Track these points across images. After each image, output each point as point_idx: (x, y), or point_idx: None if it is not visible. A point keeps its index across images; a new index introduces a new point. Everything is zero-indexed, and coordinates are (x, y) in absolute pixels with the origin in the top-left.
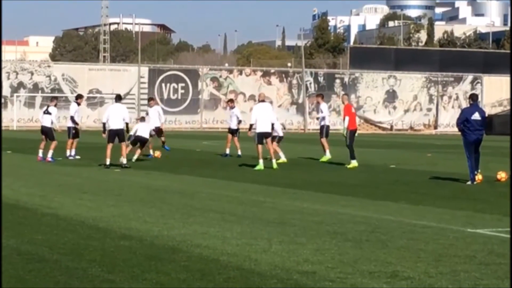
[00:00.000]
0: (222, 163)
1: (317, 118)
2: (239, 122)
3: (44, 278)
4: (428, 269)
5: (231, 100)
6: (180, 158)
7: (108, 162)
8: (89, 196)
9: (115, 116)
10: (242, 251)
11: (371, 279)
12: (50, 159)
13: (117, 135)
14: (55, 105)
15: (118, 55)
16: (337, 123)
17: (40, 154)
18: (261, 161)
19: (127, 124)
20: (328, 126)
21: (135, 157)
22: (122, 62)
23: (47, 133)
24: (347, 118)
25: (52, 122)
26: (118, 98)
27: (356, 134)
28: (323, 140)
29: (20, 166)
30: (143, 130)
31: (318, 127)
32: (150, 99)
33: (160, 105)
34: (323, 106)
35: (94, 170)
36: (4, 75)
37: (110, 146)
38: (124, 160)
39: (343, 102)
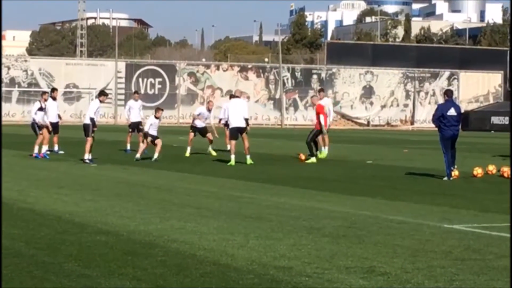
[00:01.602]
0: (199, 159)
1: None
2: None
3: (20, 273)
4: (404, 265)
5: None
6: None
7: (89, 157)
8: (66, 191)
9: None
10: (219, 246)
11: (347, 274)
12: (43, 154)
13: (84, 130)
14: (45, 100)
15: (95, 50)
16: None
17: (43, 150)
18: (233, 156)
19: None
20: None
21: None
22: (99, 57)
23: (48, 128)
24: (322, 116)
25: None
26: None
27: (324, 132)
28: (325, 136)
29: None
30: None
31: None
32: (136, 92)
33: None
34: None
35: (71, 165)
36: None
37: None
38: (85, 156)
39: (313, 104)
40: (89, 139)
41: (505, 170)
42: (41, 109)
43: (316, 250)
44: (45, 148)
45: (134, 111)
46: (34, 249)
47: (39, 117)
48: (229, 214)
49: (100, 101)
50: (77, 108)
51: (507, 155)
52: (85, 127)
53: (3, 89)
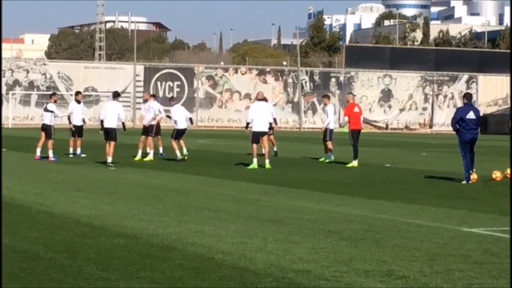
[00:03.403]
0: (217, 162)
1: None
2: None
3: (39, 276)
4: (423, 268)
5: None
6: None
7: (109, 160)
8: (84, 194)
9: (109, 114)
10: (237, 250)
11: (366, 278)
12: (52, 159)
13: (108, 134)
14: (55, 102)
15: (113, 53)
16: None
17: (38, 153)
18: (255, 160)
19: (123, 123)
20: (331, 130)
21: (178, 154)
22: (117, 60)
23: (46, 130)
24: (346, 118)
25: (51, 120)
26: (115, 95)
27: (343, 130)
28: (328, 142)
29: (15, 164)
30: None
31: (321, 127)
32: (153, 96)
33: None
34: (330, 108)
35: (89, 168)
36: None
37: (107, 144)
38: (109, 159)
39: (347, 101)
40: (113, 143)
41: None
42: (46, 110)
43: (334, 253)
44: (50, 152)
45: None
46: (53, 252)
47: (45, 119)
48: (247, 217)
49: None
50: (95, 112)
51: None
52: (112, 131)
53: (22, 92)
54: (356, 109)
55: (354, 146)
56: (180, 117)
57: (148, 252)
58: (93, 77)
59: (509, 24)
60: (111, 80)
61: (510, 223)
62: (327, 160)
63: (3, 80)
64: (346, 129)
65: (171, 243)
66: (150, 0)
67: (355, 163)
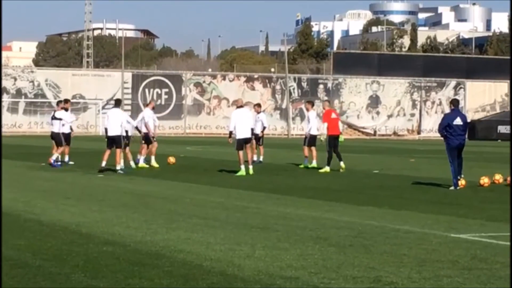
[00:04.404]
0: (206, 169)
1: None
2: (264, 128)
3: (27, 284)
4: (411, 274)
5: (258, 105)
6: (164, 163)
7: (103, 164)
8: (72, 202)
9: (112, 122)
10: (226, 257)
11: (354, 284)
12: (52, 162)
13: (113, 141)
14: (63, 109)
15: (101, 60)
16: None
17: (53, 158)
18: (242, 167)
19: (126, 132)
20: (312, 136)
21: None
22: (105, 68)
23: (54, 138)
24: (325, 124)
25: (59, 128)
26: (117, 103)
27: (341, 139)
28: (305, 148)
29: (4, 172)
30: None
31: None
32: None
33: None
34: (311, 114)
35: (78, 176)
36: None
37: (107, 152)
38: (118, 167)
39: (323, 108)
40: (119, 151)
41: None
42: (54, 118)
43: (323, 260)
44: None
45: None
46: (41, 260)
47: (54, 127)
48: (235, 224)
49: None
50: (84, 119)
51: None
52: (117, 138)
53: (10, 100)
54: (333, 115)
55: (329, 152)
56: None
57: (136, 259)
58: (81, 85)
59: (496, 30)
60: (99, 88)
61: (510, 227)
62: (303, 166)
63: None
64: (324, 137)
65: (159, 250)
66: (138, 7)
67: (327, 168)
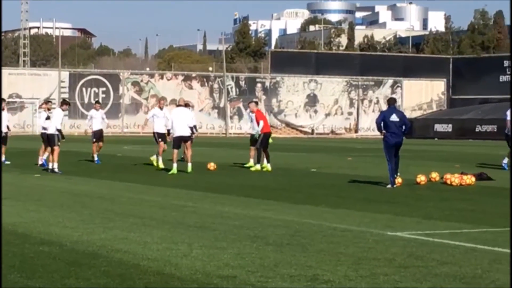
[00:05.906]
0: (143, 168)
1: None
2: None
3: None
4: (348, 272)
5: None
6: (101, 163)
7: (175, 166)
8: (8, 202)
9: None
10: (163, 256)
11: (291, 282)
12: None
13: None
14: (49, 109)
15: (38, 59)
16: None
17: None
18: (175, 165)
19: (59, 130)
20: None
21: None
22: (42, 67)
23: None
24: (261, 122)
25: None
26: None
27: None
28: (252, 148)
29: None
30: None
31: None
32: (97, 102)
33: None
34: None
35: (14, 176)
36: None
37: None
38: (51, 165)
39: (251, 109)
40: (57, 148)
41: (448, 177)
42: (47, 118)
43: (260, 258)
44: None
45: (96, 120)
46: None
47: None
48: (172, 223)
49: (63, 110)
50: (20, 119)
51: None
52: (50, 137)
53: None
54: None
55: (258, 150)
56: None
57: (73, 259)
58: (17, 84)
59: (433, 29)
60: (36, 87)
61: (510, 230)
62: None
63: None
64: (258, 134)
65: (96, 250)
66: (75, 6)
67: (258, 166)
